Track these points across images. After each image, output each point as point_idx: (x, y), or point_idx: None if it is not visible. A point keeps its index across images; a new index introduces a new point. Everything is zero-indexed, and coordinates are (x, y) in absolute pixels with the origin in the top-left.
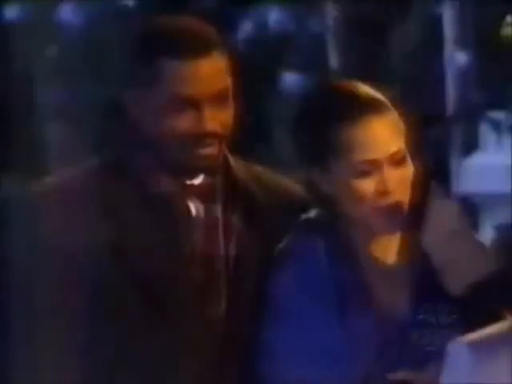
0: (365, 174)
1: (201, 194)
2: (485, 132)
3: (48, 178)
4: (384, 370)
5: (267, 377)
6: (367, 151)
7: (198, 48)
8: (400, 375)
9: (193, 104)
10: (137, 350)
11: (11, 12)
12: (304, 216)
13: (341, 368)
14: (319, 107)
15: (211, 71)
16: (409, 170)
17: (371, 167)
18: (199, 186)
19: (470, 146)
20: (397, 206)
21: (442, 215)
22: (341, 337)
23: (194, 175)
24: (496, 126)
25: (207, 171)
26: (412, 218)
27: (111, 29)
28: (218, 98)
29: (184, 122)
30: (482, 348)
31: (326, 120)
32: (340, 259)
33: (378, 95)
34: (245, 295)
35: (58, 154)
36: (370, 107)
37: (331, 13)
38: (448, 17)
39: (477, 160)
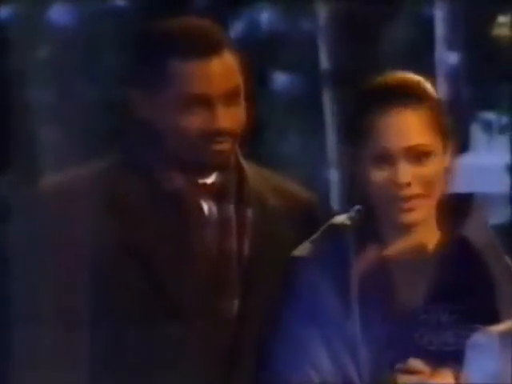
0: (377, 163)
1: (214, 193)
2: (476, 132)
3: (58, 177)
4: (391, 361)
5: (279, 374)
6: (381, 140)
7: (208, 47)
8: (409, 365)
9: (205, 102)
10: (148, 346)
11: (4, 13)
12: (332, 221)
13: (354, 361)
14: (359, 94)
15: (222, 69)
16: (432, 167)
17: (384, 157)
18: (212, 184)
19: (461, 146)
20: (410, 200)
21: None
22: (357, 334)
23: (206, 173)
24: (487, 126)
25: (220, 170)
26: (445, 216)
27: (105, 29)
28: (230, 96)
29: (197, 121)
30: (509, 338)
31: (360, 107)
32: (367, 266)
33: (421, 87)
34: (258, 293)
35: (54, 154)
36: (401, 98)
37: (323, 13)
38: (439, 17)
39: (468, 160)
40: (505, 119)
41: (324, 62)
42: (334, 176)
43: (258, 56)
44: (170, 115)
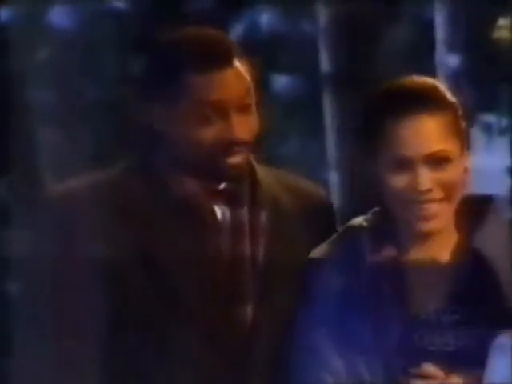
0: (397, 169)
1: (226, 197)
2: (476, 135)
3: (72, 181)
4: (405, 366)
5: (295, 378)
6: (401, 147)
7: (222, 58)
8: (423, 369)
9: (220, 113)
10: (163, 351)
11: (4, 14)
12: (349, 223)
13: (369, 365)
14: (375, 99)
15: (235, 79)
16: (452, 172)
17: (403, 164)
18: (224, 190)
19: None
20: (431, 206)
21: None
22: (373, 337)
23: (220, 182)
24: (487, 128)
25: (234, 180)
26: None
27: (105, 30)
28: (243, 105)
29: (213, 131)
30: None
31: (377, 112)
32: (381, 267)
33: (439, 92)
34: (273, 298)
35: (54, 156)
36: (419, 104)
37: (323, 15)
38: (440, 19)
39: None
40: (505, 121)
41: (325, 64)
42: (333, 178)
43: (259, 58)
44: (186, 127)
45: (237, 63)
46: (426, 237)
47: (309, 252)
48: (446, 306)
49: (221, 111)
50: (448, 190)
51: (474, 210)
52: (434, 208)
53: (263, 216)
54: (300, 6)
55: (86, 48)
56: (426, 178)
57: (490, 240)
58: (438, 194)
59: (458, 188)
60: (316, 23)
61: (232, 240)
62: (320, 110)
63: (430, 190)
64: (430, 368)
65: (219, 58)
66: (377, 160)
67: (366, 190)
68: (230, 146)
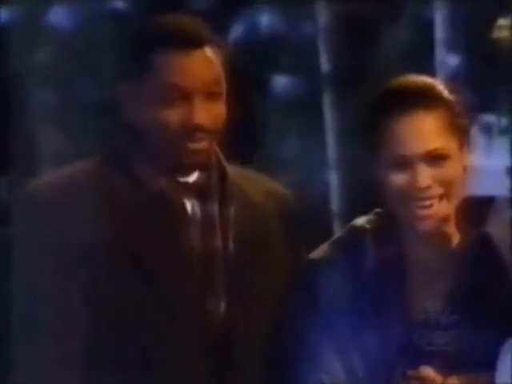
0: (396, 168)
1: (196, 191)
2: (476, 135)
3: (47, 177)
4: (406, 367)
5: (293, 379)
6: (399, 146)
7: (189, 41)
8: (421, 372)
9: (183, 96)
10: (137, 345)
11: (4, 14)
12: (352, 223)
13: (370, 368)
14: (373, 99)
15: (202, 64)
16: (451, 169)
17: (402, 162)
18: (194, 183)
19: None
20: (429, 204)
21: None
22: (373, 338)
23: (187, 172)
24: (487, 129)
25: (200, 168)
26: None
27: (105, 30)
28: (209, 92)
29: (175, 115)
30: None
31: (375, 112)
32: (382, 268)
33: (435, 90)
34: (245, 290)
35: (53, 155)
36: (415, 102)
37: (323, 16)
38: (440, 19)
39: None
40: (505, 122)
41: (324, 64)
42: (333, 178)
43: (259, 58)
44: (150, 109)
45: (208, 50)
46: (427, 237)
47: (278, 245)
48: (446, 307)
49: (184, 95)
50: (447, 186)
51: (476, 212)
52: (433, 205)
53: (232, 209)
54: (300, 5)
55: (86, 48)
56: (425, 175)
57: (491, 241)
58: (437, 190)
59: (457, 185)
60: (316, 23)
61: (203, 234)
62: (320, 110)
63: (429, 187)
64: (427, 371)
65: (187, 40)
66: (377, 159)
67: (366, 190)
68: (191, 131)
